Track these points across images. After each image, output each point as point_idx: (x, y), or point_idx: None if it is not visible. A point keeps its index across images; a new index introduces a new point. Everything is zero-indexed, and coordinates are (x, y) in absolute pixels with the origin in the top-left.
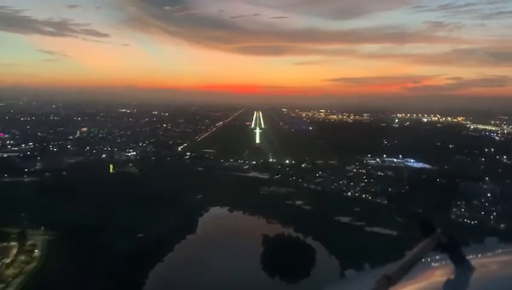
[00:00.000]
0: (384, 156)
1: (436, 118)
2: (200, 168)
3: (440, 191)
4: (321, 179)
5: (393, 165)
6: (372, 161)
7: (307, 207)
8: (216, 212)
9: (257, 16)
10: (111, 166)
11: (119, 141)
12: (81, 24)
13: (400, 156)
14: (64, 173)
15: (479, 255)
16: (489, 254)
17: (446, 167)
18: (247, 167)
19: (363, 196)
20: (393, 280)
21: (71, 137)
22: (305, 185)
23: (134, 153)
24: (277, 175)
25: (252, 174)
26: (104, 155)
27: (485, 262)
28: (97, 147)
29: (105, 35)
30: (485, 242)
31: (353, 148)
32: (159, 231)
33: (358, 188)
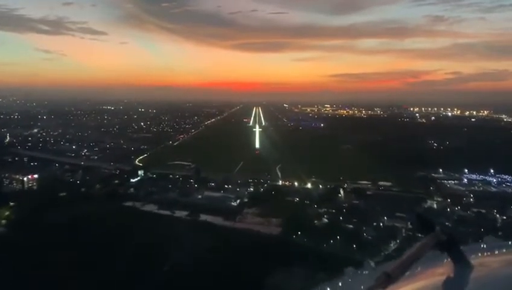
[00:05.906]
0: (466, 171)
1: (459, 112)
2: (147, 209)
3: None
4: (397, 243)
5: (495, 189)
6: (453, 182)
7: None
8: None
9: (255, 11)
10: None
11: (57, 147)
12: (77, 22)
13: (492, 170)
14: None
15: (478, 254)
16: (488, 252)
17: None
18: (238, 201)
19: None
20: (392, 277)
21: None
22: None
23: (38, 175)
24: (298, 227)
25: (247, 222)
26: None
27: (483, 261)
28: (9, 161)
29: (103, 33)
30: (484, 241)
31: (398, 155)
32: None
33: None
